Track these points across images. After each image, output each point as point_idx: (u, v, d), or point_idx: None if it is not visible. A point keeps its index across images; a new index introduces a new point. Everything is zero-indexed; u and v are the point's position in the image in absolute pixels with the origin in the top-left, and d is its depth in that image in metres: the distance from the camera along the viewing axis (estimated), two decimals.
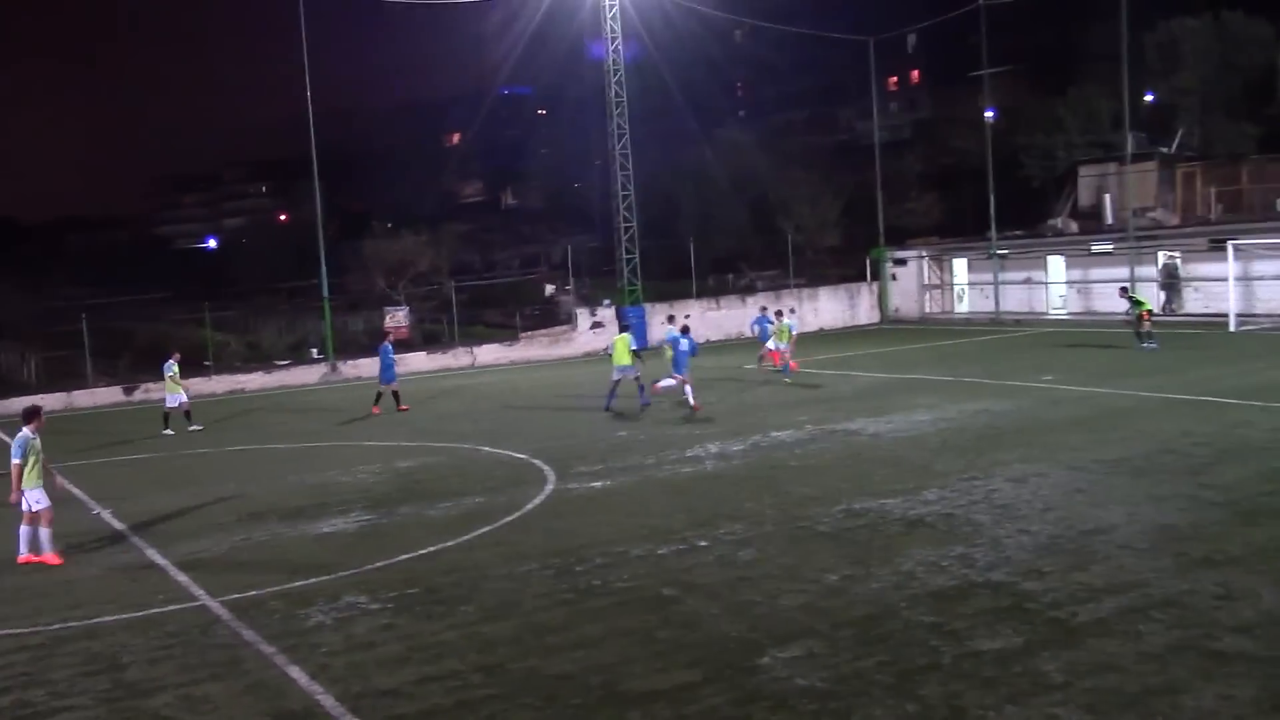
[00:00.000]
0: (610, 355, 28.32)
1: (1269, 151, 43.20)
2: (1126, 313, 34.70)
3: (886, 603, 11.50)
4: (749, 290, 52.37)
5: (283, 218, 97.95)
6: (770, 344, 32.81)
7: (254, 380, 39.89)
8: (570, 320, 46.41)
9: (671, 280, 50.48)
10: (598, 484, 18.51)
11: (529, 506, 17.10)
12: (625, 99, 45.20)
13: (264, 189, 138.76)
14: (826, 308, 51.20)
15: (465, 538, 15.39)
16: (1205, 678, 9.19)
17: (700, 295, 49.40)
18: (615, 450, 21.53)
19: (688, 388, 26.30)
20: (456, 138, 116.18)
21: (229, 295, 60.62)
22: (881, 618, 11.08)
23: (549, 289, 56.19)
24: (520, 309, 50.14)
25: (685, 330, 27.52)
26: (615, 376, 27.49)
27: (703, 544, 14.27)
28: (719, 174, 61.17)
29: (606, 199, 47.13)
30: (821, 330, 49.55)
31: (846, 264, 54.59)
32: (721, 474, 18.76)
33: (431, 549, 14.92)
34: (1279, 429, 19.49)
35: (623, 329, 30.59)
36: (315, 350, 43.20)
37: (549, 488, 18.42)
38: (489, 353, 43.93)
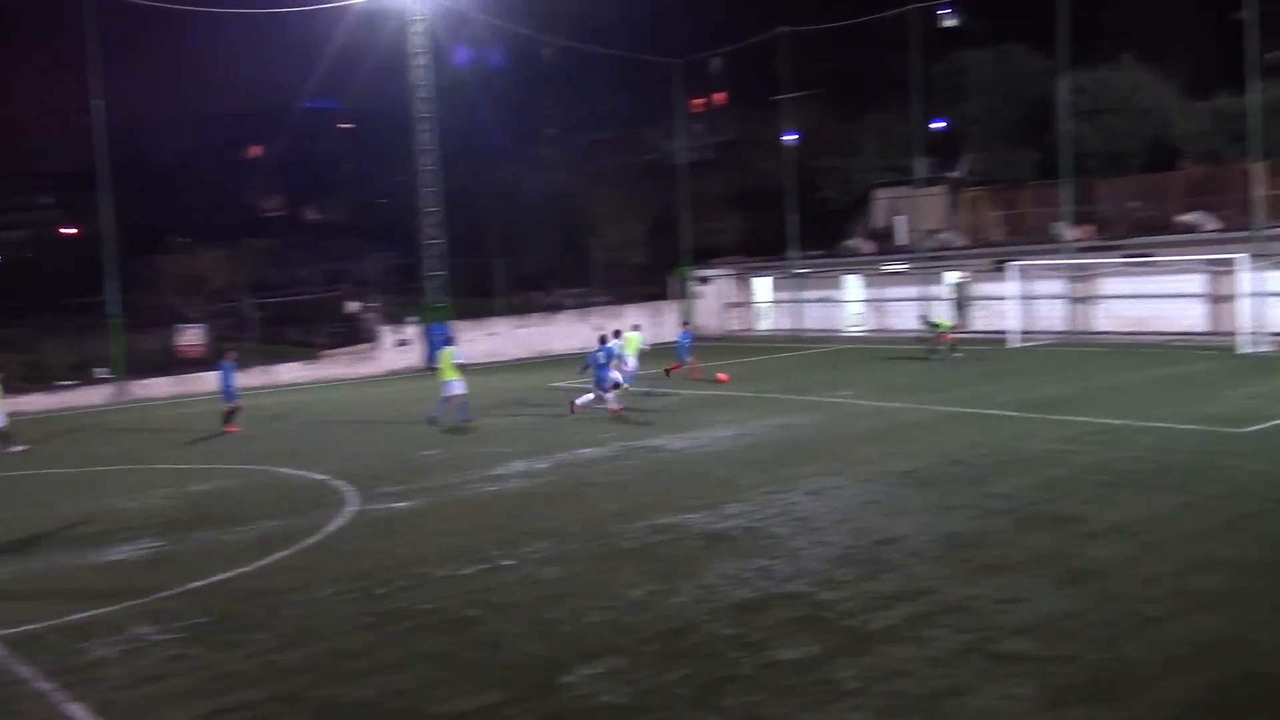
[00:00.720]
0: (438, 370, 27.83)
1: (1047, 177, 45.59)
2: (923, 333, 36.25)
3: (689, 617, 11.63)
4: (556, 308, 52.44)
5: (69, 231, 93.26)
6: (688, 357, 34.00)
7: (34, 402, 37.79)
8: (374, 338, 45.59)
9: (479, 297, 50.15)
10: (400, 504, 18.20)
11: (329, 529, 16.68)
12: (433, 115, 44.75)
13: (49, 201, 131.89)
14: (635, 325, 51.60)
15: (261, 563, 14.90)
16: (989, 679, 9.59)
17: (507, 312, 49.22)
18: (419, 470, 21.22)
19: (609, 397, 26.99)
20: (258, 151, 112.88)
21: (7, 312, 57.26)
22: (684, 632, 11.19)
23: (353, 306, 55.02)
24: (323, 327, 48.95)
25: (603, 341, 28.18)
26: (445, 393, 27.21)
27: (507, 563, 14.17)
28: (528, 192, 61.13)
29: (413, 215, 46.49)
30: None
31: (652, 282, 55.25)
32: (527, 492, 18.68)
33: (225, 575, 14.38)
34: (1056, 440, 20.58)
35: (445, 343, 30.16)
36: (102, 369, 41.20)
37: (350, 509, 18.00)
38: (290, 371, 42.75)
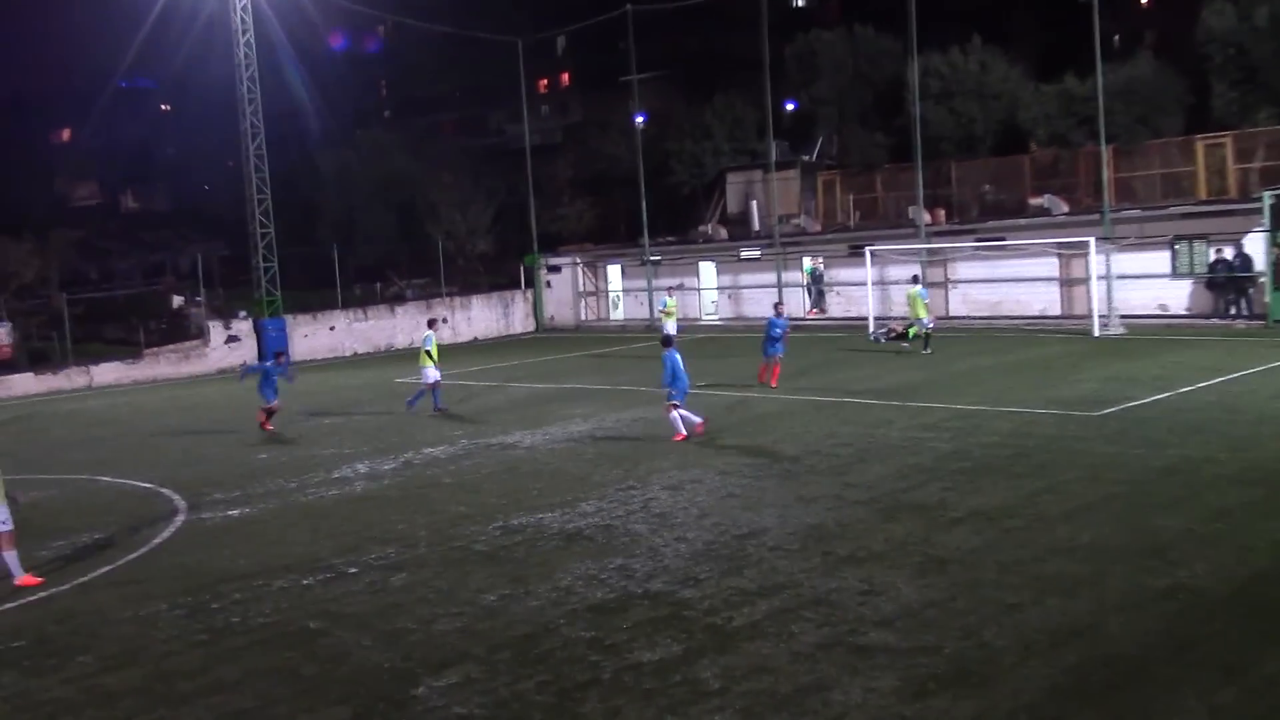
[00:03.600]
0: (428, 354, 27.43)
1: (899, 160, 46.79)
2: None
3: (545, 620, 11.61)
4: (398, 300, 51.77)
5: None
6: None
7: None
8: (202, 334, 44.33)
9: (315, 289, 49.19)
10: (235, 512, 17.74)
11: (156, 541, 16.17)
12: (259, 96, 43.66)
13: None
14: (480, 317, 51.39)
15: (82, 580, 14.36)
16: (852, 673, 9.81)
17: (346, 305, 48.39)
18: (254, 474, 20.72)
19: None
20: (67, 134, 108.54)
21: None
22: (540, 636, 11.17)
23: (177, 301, 53.39)
24: (144, 323, 47.37)
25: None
26: (429, 379, 27.17)
27: (352, 571, 13.93)
28: (363, 177, 60.17)
29: (240, 203, 45.28)
30: (475, 340, 49.66)
31: (499, 271, 55.00)
32: (371, 495, 18.41)
33: (41, 595, 13.81)
34: (915, 427, 21.15)
35: (430, 323, 30.06)
36: None
37: (180, 519, 17.48)
38: (109, 372, 41.27)
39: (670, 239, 53.27)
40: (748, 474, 17.97)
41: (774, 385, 27.12)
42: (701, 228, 53.28)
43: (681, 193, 54.77)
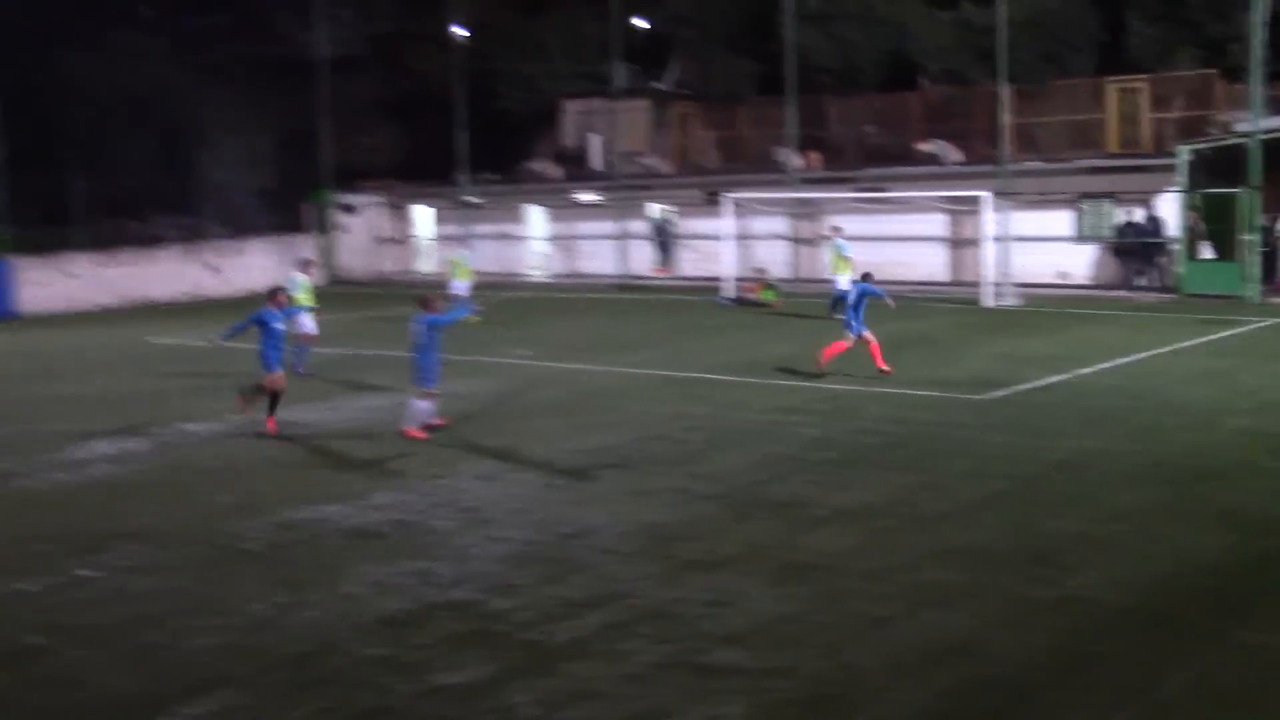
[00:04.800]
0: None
1: (770, 93, 47.27)
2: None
3: (327, 635, 11.50)
4: (156, 242, 50.40)
5: None
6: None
7: None
8: None
9: (51, 227, 47.57)
10: None
11: None
12: None
13: None
14: (259, 265, 50.43)
15: None
16: (693, 697, 9.94)
17: (89, 247, 46.94)
18: None
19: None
20: None
21: None
22: (321, 654, 11.06)
23: None
24: None
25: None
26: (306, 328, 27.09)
27: (87, 574, 13.58)
28: (114, 89, 58.20)
29: None
30: (254, 293, 48.64)
31: (283, 211, 53.96)
32: (115, 481, 17.96)
33: None
34: (775, 409, 21.50)
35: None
36: None
37: None
38: None
39: (494, 177, 53.01)
40: (577, 462, 18.02)
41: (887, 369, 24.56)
42: (531, 164, 53.14)
43: (509, 121, 54.47)
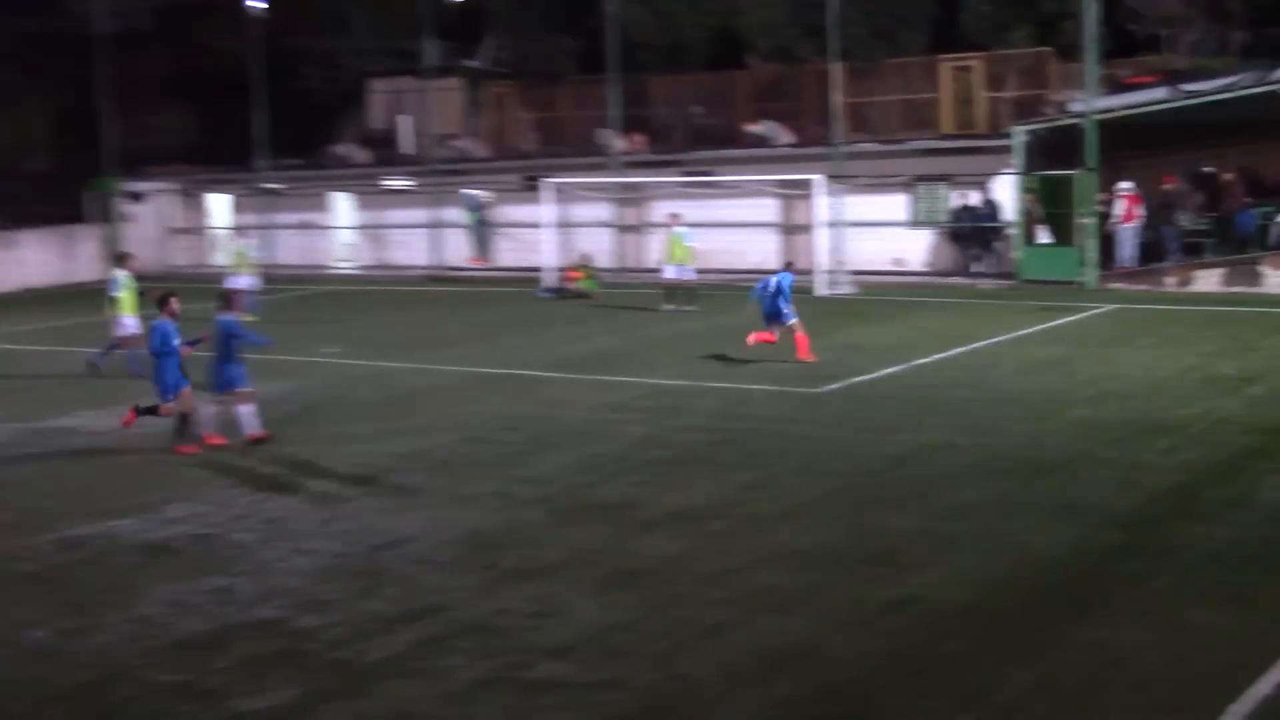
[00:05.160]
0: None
1: (590, 72, 47.36)
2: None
3: (117, 662, 11.23)
4: None
5: None
6: None
7: None
8: None
9: None
10: None
11: None
12: None
13: None
14: (34, 259, 49.06)
15: None
16: (518, 716, 9.94)
17: None
18: None
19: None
20: None
21: None
22: (109, 683, 10.80)
23: None
24: None
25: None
26: (117, 332, 26.51)
27: None
28: None
29: None
30: (30, 290, 47.26)
31: (62, 199, 52.45)
32: None
33: None
34: (601, 407, 21.57)
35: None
36: None
37: None
38: None
39: (296, 161, 52.23)
40: (391, 467, 17.87)
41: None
42: (336, 148, 52.48)
43: (312, 102, 53.70)
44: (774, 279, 25.69)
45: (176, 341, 19.45)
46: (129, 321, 26.51)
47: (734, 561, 13.35)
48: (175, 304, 20.00)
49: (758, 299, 25.67)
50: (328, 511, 15.77)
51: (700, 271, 35.86)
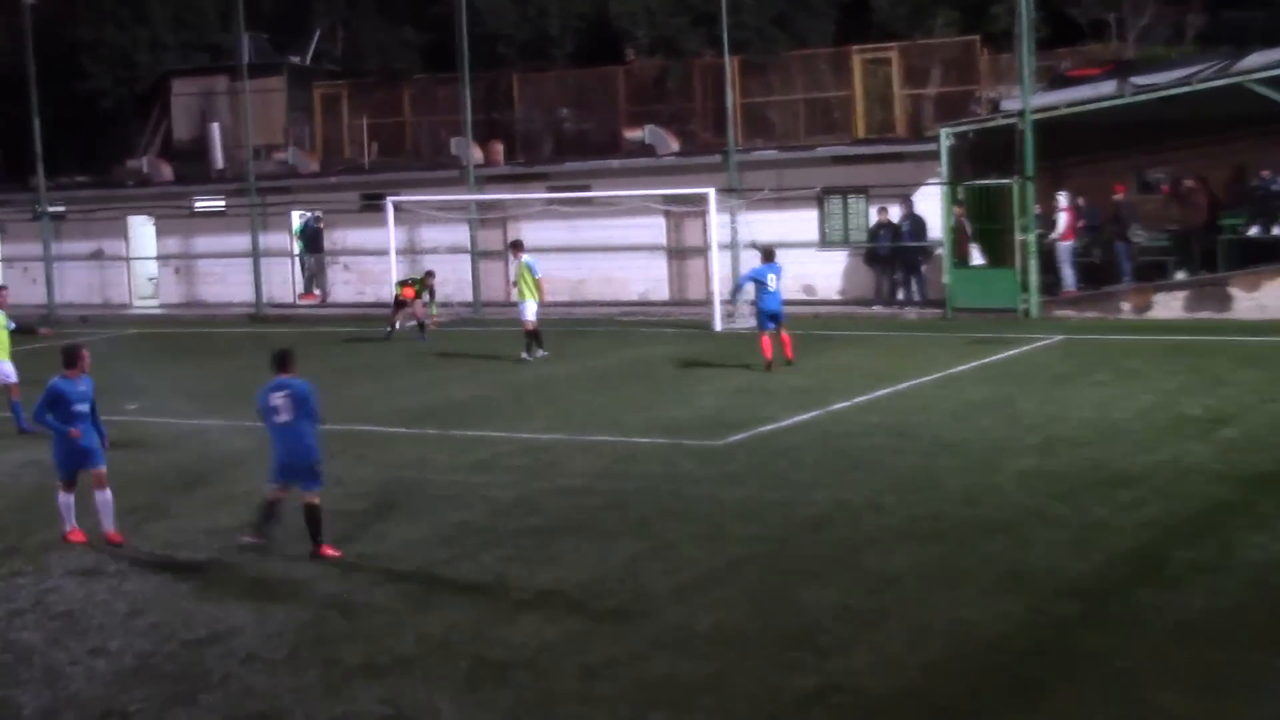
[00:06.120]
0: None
1: (439, 69, 47.27)
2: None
3: None
4: None
5: None
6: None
7: None
8: None
9: None
10: None
11: None
12: None
13: None
14: None
15: None
16: None
17: None
18: None
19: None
20: None
21: None
22: None
23: None
24: None
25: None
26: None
27: None
28: None
29: None
30: None
31: None
32: None
33: None
34: (463, 467, 21.47)
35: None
36: None
37: None
38: None
39: (82, 179, 51.57)
40: (209, 545, 17.64)
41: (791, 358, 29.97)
42: (133, 162, 51.90)
43: (101, 107, 53.10)
44: (769, 271, 29.98)
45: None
46: (5, 368, 26.63)
47: (622, 649, 13.31)
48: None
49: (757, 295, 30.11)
50: (131, 603, 15.50)
51: (573, 305, 35.71)
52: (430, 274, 39.45)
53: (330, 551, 16.73)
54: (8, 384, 26.51)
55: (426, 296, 38.20)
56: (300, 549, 17.31)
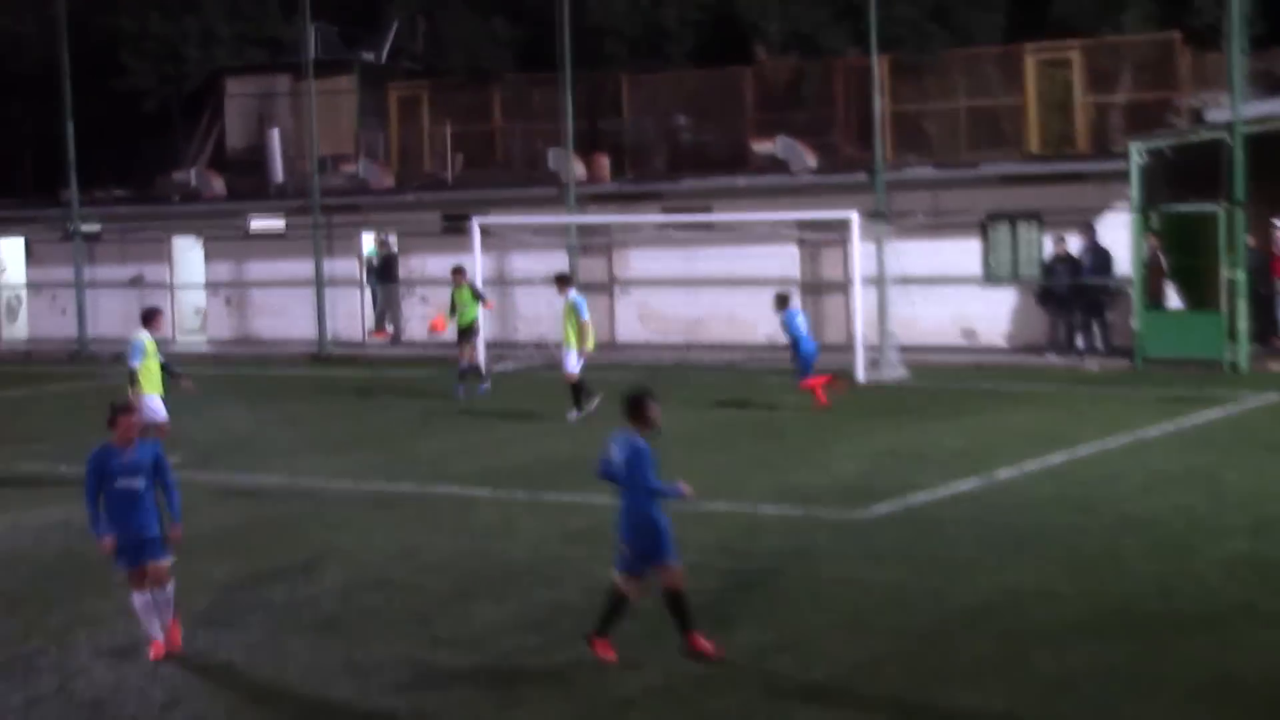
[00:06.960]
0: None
1: (535, 68, 47.30)
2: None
3: None
4: None
5: None
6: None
7: None
8: None
9: None
10: None
11: None
12: None
13: None
14: None
15: None
16: None
17: None
18: None
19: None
20: None
21: None
22: None
23: None
24: None
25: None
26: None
27: None
28: None
29: None
30: None
31: None
32: None
33: None
34: (552, 538, 21.44)
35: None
36: None
37: None
38: None
39: (120, 193, 52.17)
40: (260, 623, 17.69)
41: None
42: (178, 175, 52.40)
43: (143, 109, 53.73)
44: (798, 316, 32.42)
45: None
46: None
47: None
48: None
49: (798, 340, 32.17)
50: (167, 690, 15.55)
51: (687, 347, 35.62)
52: (459, 270, 38.00)
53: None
54: (156, 422, 26.89)
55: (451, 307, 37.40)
56: (372, 631, 17.30)
